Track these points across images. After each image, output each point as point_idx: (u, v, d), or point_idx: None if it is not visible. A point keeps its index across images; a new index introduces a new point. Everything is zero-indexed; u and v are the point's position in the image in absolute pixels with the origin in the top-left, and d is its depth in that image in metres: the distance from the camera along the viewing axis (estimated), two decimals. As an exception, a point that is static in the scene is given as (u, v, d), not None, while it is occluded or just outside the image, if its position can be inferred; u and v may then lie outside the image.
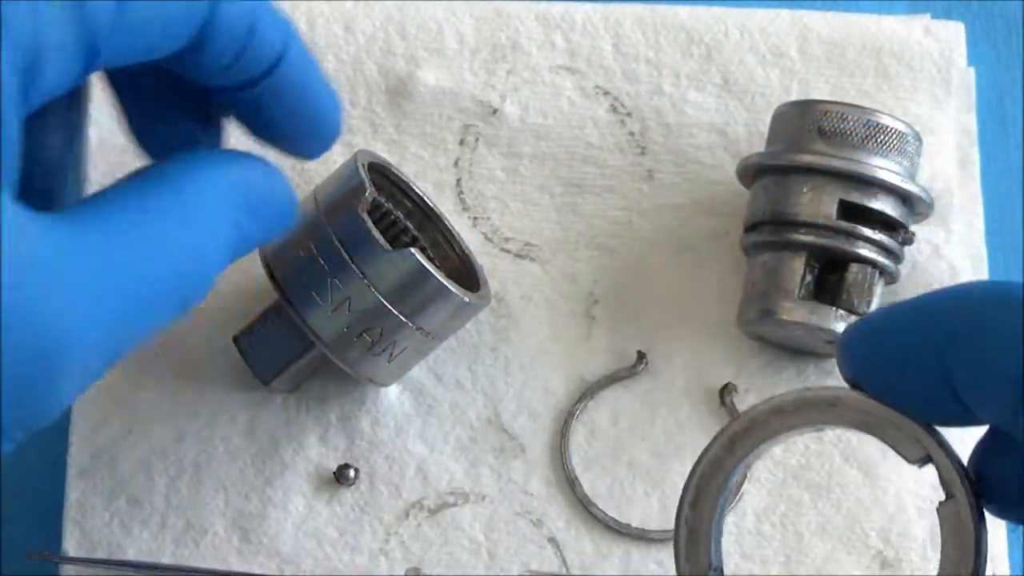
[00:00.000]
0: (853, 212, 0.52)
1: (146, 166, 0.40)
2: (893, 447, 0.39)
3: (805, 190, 0.52)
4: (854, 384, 0.40)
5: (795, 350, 0.55)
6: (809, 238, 0.52)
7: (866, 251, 0.52)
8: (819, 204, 0.52)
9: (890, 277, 0.53)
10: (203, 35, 0.39)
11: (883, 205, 0.52)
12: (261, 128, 0.43)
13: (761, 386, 0.55)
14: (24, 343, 0.34)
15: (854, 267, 0.52)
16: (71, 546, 0.54)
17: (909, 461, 0.39)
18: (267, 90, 0.41)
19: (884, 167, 0.52)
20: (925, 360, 0.37)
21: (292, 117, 0.43)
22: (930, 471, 0.54)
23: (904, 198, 0.53)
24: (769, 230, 0.53)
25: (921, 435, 0.39)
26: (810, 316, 0.52)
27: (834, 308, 0.52)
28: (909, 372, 0.38)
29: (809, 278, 0.52)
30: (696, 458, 0.55)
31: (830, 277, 0.53)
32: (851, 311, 0.52)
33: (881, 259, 0.52)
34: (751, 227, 0.54)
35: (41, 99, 0.37)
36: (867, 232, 0.52)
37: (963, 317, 0.37)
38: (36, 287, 0.34)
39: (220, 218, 0.40)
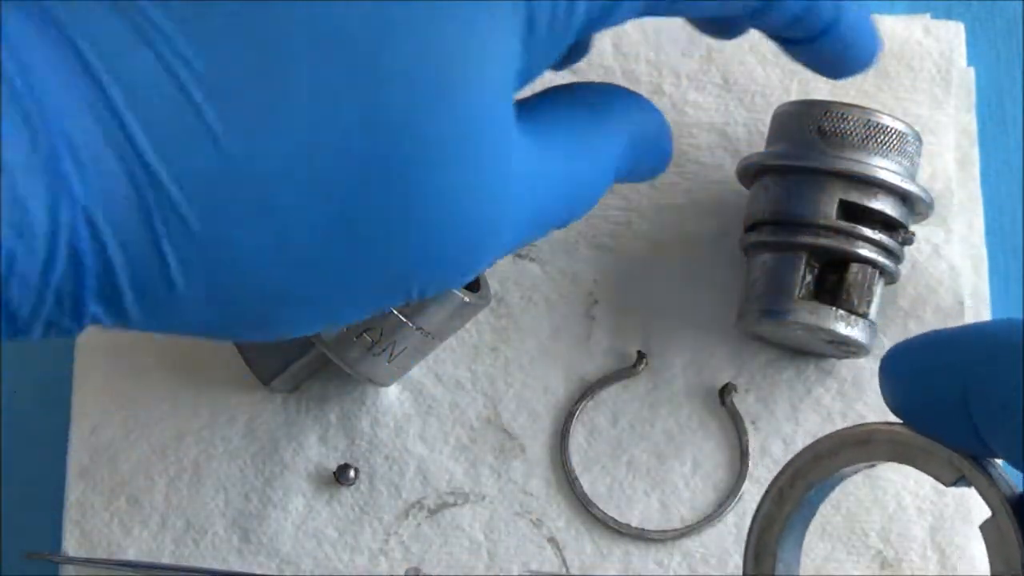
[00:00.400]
0: (853, 212, 0.52)
1: (564, 85, 0.45)
2: (929, 474, 0.39)
3: (805, 190, 0.52)
4: (895, 411, 0.40)
5: (795, 350, 0.55)
6: (809, 238, 0.52)
7: (866, 251, 0.52)
8: (819, 204, 0.52)
9: (890, 277, 0.53)
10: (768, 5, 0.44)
11: (883, 205, 0.52)
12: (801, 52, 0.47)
13: (761, 386, 0.55)
14: (478, 217, 0.40)
15: (854, 267, 0.52)
16: (71, 546, 0.54)
17: (945, 484, 0.39)
18: (818, 47, 0.46)
19: (884, 167, 0.52)
20: (949, 391, 0.38)
21: (837, 61, 0.48)
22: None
23: (904, 198, 0.53)
24: (769, 230, 0.53)
25: (955, 459, 0.39)
26: (810, 316, 0.52)
27: (834, 308, 0.52)
28: (935, 402, 0.38)
29: (809, 278, 0.52)
30: (694, 457, 0.55)
31: (830, 277, 0.52)
32: (851, 311, 0.52)
33: (881, 259, 0.52)
34: (751, 227, 0.54)
35: (601, 28, 0.43)
36: (867, 232, 0.52)
37: (981, 352, 0.37)
38: (502, 178, 0.41)
39: (617, 142, 0.45)
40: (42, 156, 0.35)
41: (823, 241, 0.52)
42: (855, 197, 0.52)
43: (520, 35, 0.40)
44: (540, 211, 0.43)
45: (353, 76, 0.37)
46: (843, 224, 0.52)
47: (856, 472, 0.41)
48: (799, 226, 0.52)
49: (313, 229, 0.38)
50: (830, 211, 0.52)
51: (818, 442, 0.41)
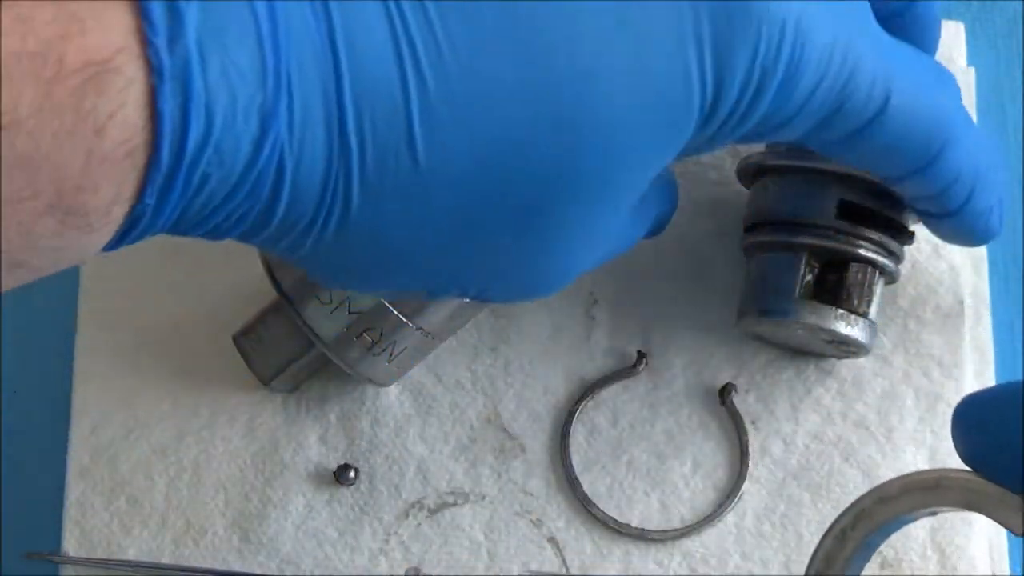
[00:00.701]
0: (852, 212, 0.52)
1: None
2: (1000, 522, 0.39)
3: (804, 191, 0.52)
4: (967, 459, 0.40)
5: (795, 350, 0.55)
6: (809, 238, 0.52)
7: (866, 251, 0.52)
8: (819, 204, 0.52)
9: (890, 277, 0.53)
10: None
11: (882, 205, 0.52)
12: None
13: (761, 386, 0.55)
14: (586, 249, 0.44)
15: (854, 267, 0.52)
16: (71, 546, 0.54)
17: (1016, 533, 0.39)
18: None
19: None
20: (1021, 440, 0.38)
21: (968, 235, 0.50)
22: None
23: (903, 198, 0.53)
24: (769, 230, 0.53)
25: None
26: (810, 316, 0.52)
27: (834, 308, 0.52)
28: (1007, 451, 0.38)
29: (809, 278, 0.52)
30: (694, 456, 0.55)
31: (830, 277, 0.52)
32: (851, 311, 0.52)
33: (881, 259, 0.52)
34: (751, 227, 0.54)
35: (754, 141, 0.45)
36: (867, 232, 0.52)
37: None
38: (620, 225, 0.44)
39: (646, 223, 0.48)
40: (264, 94, 0.36)
41: (823, 241, 0.52)
42: (854, 197, 0.52)
43: (697, 120, 0.41)
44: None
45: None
46: (843, 224, 0.52)
47: (919, 518, 0.41)
48: (799, 226, 0.52)
49: (485, 220, 0.40)
50: (829, 211, 0.52)
51: (884, 485, 0.41)
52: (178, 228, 0.38)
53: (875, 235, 0.52)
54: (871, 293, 0.52)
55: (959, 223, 0.49)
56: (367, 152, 0.38)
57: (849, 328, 0.52)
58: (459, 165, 0.39)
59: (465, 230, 0.40)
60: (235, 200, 0.37)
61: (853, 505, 0.41)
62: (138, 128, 0.34)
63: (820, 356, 0.55)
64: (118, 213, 0.35)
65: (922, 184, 0.47)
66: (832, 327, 0.52)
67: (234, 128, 0.35)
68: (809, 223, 0.52)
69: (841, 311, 0.52)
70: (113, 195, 0.35)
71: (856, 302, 0.52)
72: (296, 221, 0.39)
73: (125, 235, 0.37)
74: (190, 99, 0.34)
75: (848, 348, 0.53)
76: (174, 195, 0.36)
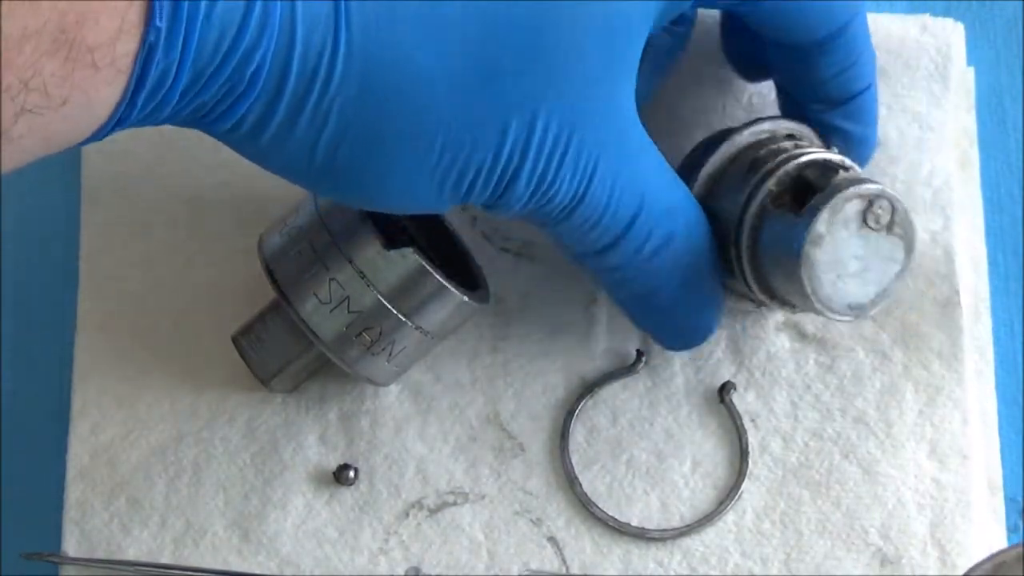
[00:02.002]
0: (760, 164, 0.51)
1: None
2: None
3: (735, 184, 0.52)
4: None
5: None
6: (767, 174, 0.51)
7: (807, 153, 0.51)
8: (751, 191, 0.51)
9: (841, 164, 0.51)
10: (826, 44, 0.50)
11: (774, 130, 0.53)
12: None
13: (760, 384, 0.55)
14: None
15: (809, 172, 0.51)
16: (71, 547, 0.54)
17: None
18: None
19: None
20: None
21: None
22: (930, 467, 0.54)
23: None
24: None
25: None
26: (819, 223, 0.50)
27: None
28: None
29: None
30: (693, 455, 0.55)
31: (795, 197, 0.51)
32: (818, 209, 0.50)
33: (820, 153, 0.51)
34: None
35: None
36: (781, 144, 0.52)
37: None
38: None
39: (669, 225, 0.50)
40: None
41: (773, 167, 0.51)
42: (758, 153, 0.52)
43: None
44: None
45: None
46: (785, 144, 0.52)
47: None
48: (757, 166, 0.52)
49: (466, 50, 0.42)
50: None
51: (1003, 552, 0.41)
52: (195, 86, 0.38)
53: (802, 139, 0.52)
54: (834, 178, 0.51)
55: (863, 107, 0.52)
56: None
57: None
58: None
59: (475, 61, 0.42)
60: (248, 30, 0.38)
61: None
62: None
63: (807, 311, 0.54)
64: (125, 48, 0.35)
65: (836, 54, 0.51)
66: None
67: None
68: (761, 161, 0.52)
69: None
70: (116, 26, 0.35)
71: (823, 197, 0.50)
72: (315, 65, 0.40)
73: (140, 84, 0.37)
74: None
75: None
76: (183, 13, 0.36)
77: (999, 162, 0.59)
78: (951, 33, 0.58)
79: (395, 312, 0.51)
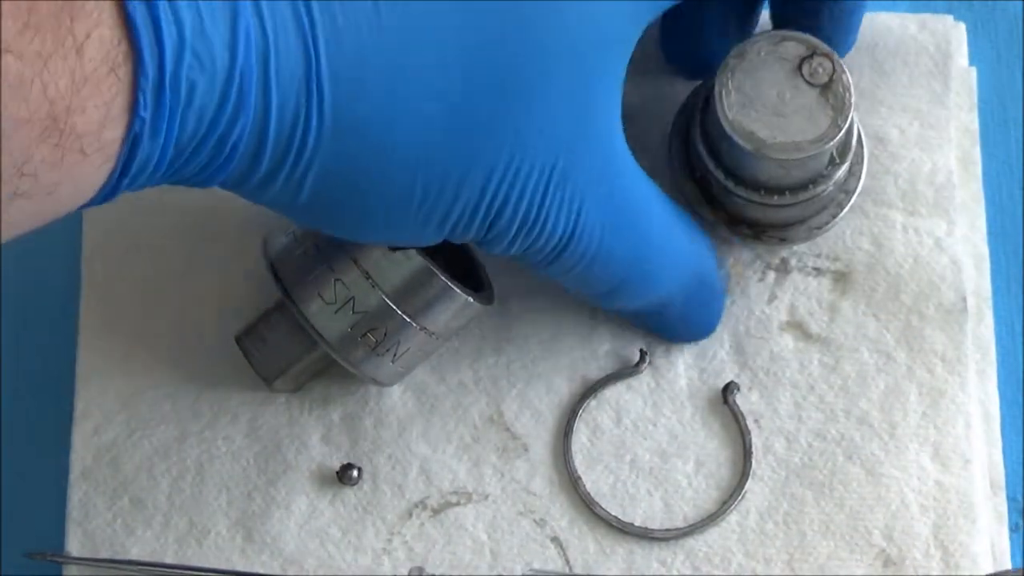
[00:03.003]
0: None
1: None
2: None
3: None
4: None
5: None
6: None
7: None
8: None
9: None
10: None
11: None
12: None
13: (764, 384, 0.55)
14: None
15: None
16: (74, 547, 0.54)
17: None
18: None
19: None
20: None
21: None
22: (933, 469, 0.54)
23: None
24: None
25: None
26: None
27: None
28: None
29: None
30: (697, 455, 0.55)
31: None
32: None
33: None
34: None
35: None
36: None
37: None
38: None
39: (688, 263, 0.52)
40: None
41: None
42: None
43: None
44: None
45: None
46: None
47: None
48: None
49: (441, 105, 0.42)
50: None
51: (1006, 573, 0.41)
52: (177, 161, 0.39)
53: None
54: None
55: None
56: (344, 40, 0.40)
57: None
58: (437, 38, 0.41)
59: (451, 113, 0.42)
60: (225, 113, 0.39)
61: None
62: (115, 43, 0.36)
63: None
64: (111, 136, 0.37)
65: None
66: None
67: (204, 32, 0.37)
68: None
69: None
70: (102, 115, 0.36)
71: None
72: (289, 135, 0.41)
73: (126, 168, 0.38)
74: (158, 10, 0.36)
75: None
76: (165, 105, 0.37)
77: (1000, 162, 0.59)
78: (950, 30, 0.58)
79: (400, 313, 0.51)
